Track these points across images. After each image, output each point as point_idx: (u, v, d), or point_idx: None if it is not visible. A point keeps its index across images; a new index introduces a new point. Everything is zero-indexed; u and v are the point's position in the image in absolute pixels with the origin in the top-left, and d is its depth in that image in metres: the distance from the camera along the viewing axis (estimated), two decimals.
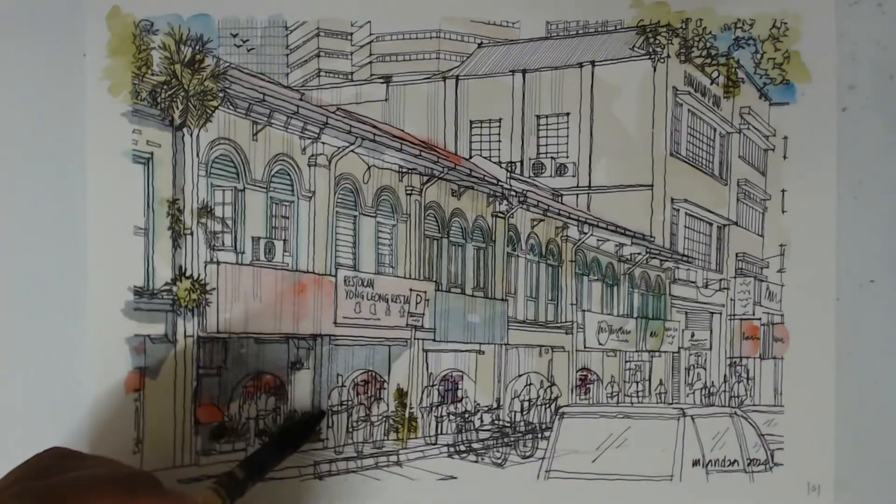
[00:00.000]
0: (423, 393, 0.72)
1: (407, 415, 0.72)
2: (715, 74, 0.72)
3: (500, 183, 0.76)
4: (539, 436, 0.72)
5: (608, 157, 0.72)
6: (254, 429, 0.69)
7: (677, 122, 0.74)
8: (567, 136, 0.73)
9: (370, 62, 0.71)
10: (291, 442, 0.65)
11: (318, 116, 0.70)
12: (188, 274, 0.67)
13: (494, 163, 0.73)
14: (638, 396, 0.75)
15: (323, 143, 0.72)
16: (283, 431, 0.67)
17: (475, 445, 0.71)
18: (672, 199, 0.74)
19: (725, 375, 0.74)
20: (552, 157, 0.73)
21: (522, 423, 0.73)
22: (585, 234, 0.78)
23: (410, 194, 0.76)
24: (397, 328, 0.74)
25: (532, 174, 0.73)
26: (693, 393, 0.74)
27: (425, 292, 0.74)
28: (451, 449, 0.71)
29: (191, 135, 0.68)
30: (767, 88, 0.71)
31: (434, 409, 0.73)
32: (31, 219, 0.68)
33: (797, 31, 0.70)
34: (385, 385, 0.72)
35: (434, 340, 0.74)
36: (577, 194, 0.74)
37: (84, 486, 0.48)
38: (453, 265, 0.76)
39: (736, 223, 0.76)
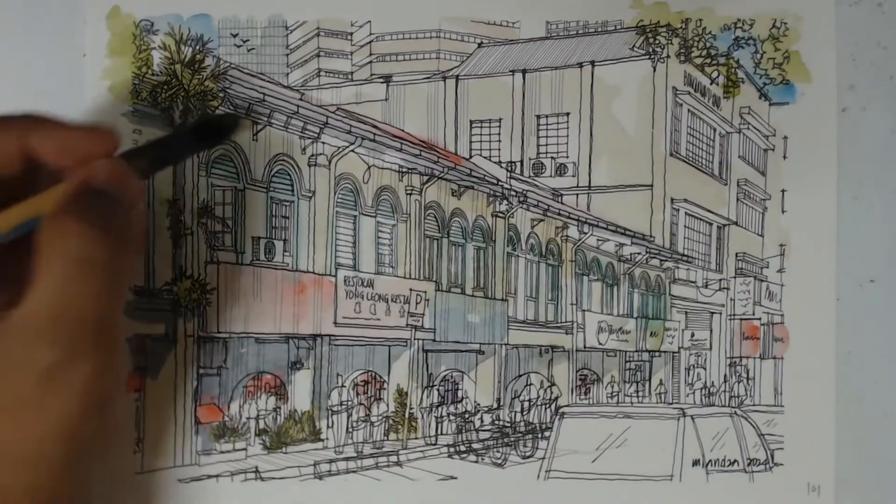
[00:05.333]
0: (423, 393, 0.72)
1: (407, 415, 0.72)
2: (715, 74, 0.72)
3: (500, 183, 0.76)
4: (539, 436, 0.72)
5: (608, 157, 0.72)
6: (254, 429, 0.69)
7: (677, 122, 0.75)
8: (567, 136, 0.73)
9: (370, 62, 0.71)
10: (208, 136, 0.59)
11: (318, 116, 0.70)
12: (188, 274, 0.67)
13: (494, 163, 0.73)
14: (638, 396, 0.75)
15: (323, 143, 0.72)
16: (202, 123, 0.61)
17: (475, 445, 0.71)
18: (672, 199, 0.74)
19: (725, 375, 0.74)
20: (552, 157, 0.73)
21: (522, 424, 0.73)
22: (585, 234, 0.79)
23: (410, 194, 0.76)
24: (397, 328, 0.74)
25: (532, 174, 0.73)
26: (693, 393, 0.74)
27: (425, 292, 0.74)
28: (451, 449, 0.71)
29: None
30: (767, 88, 0.71)
31: (434, 409, 0.73)
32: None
33: (797, 31, 0.70)
34: (385, 385, 0.72)
35: (434, 340, 0.74)
36: (577, 194, 0.74)
37: None
38: (453, 265, 0.76)
39: (736, 223, 0.76)
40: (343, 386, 0.72)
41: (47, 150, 0.50)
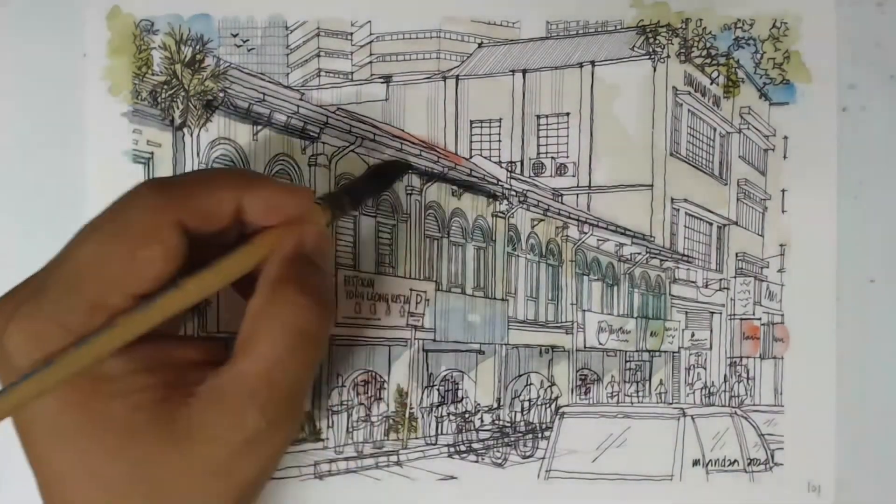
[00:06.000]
0: (423, 393, 0.72)
1: (407, 415, 0.72)
2: (715, 74, 0.72)
3: (500, 183, 0.76)
4: (539, 436, 0.72)
5: (608, 157, 0.72)
6: None
7: (677, 122, 0.75)
8: (567, 136, 0.73)
9: (370, 62, 0.71)
10: (385, 180, 0.67)
11: (318, 116, 0.70)
12: None
13: (494, 163, 0.73)
14: (638, 396, 0.75)
15: (323, 143, 0.72)
16: (378, 169, 0.67)
17: (475, 445, 0.71)
18: (672, 199, 0.74)
19: (725, 375, 0.74)
20: (552, 157, 0.73)
21: (522, 423, 0.73)
22: (585, 233, 0.79)
23: (410, 194, 0.76)
24: (397, 328, 0.74)
25: (532, 174, 0.73)
26: (693, 393, 0.74)
27: (425, 292, 0.74)
28: (452, 449, 0.71)
29: (191, 135, 0.68)
30: (767, 88, 0.71)
31: (434, 409, 0.73)
32: (31, 219, 0.68)
33: (797, 31, 0.70)
34: (385, 385, 0.72)
35: (434, 340, 0.74)
36: (578, 194, 0.74)
37: (201, 179, 0.49)
38: (453, 265, 0.76)
39: (736, 223, 0.76)
40: (343, 386, 0.72)
41: (257, 210, 0.50)
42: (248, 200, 0.49)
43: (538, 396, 0.74)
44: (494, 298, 0.75)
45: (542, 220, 0.80)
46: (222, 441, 0.44)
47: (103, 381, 0.45)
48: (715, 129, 0.75)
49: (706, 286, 0.76)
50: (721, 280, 0.75)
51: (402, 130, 0.71)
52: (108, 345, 0.43)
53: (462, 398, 0.73)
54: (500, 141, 0.73)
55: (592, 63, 0.73)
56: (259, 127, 0.70)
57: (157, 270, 0.44)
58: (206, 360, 0.48)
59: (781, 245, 0.71)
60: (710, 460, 0.70)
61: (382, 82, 0.71)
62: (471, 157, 0.73)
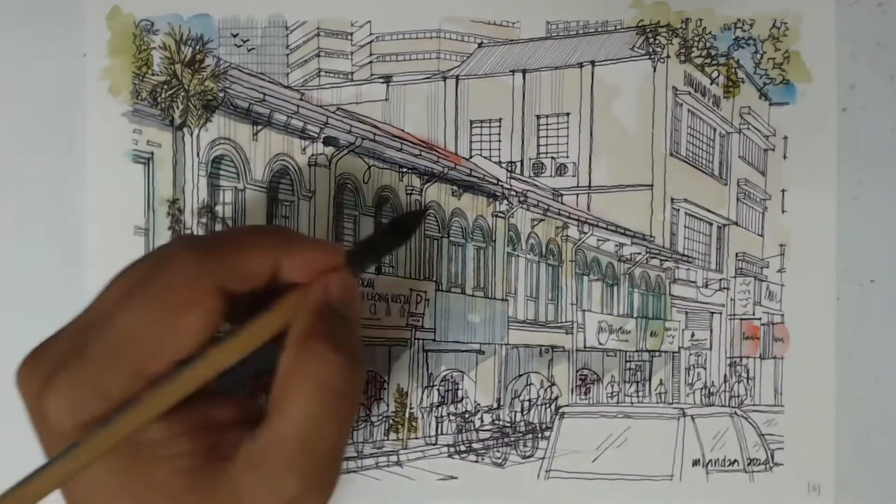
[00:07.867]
0: (423, 393, 0.72)
1: (407, 415, 0.72)
2: (715, 74, 0.72)
3: (500, 183, 0.76)
4: (539, 436, 0.72)
5: (608, 157, 0.72)
6: None
7: (677, 122, 0.75)
8: (567, 136, 0.73)
9: (370, 62, 0.71)
10: (403, 234, 0.59)
11: (318, 116, 0.70)
12: None
13: (494, 163, 0.73)
14: (638, 396, 0.75)
15: (323, 143, 0.72)
16: (395, 223, 0.59)
17: (475, 445, 0.71)
18: (672, 199, 0.74)
19: (725, 375, 0.74)
20: (552, 157, 0.73)
21: (522, 423, 0.73)
22: (585, 234, 0.79)
23: (410, 194, 0.76)
24: (397, 328, 0.74)
25: (532, 174, 0.73)
26: (693, 393, 0.74)
27: (425, 292, 0.74)
28: (452, 449, 0.71)
29: (191, 135, 0.68)
30: (767, 88, 0.71)
31: (434, 409, 0.73)
32: (31, 219, 0.68)
33: (797, 31, 0.70)
34: (385, 385, 0.72)
35: (434, 340, 0.74)
36: (578, 194, 0.74)
37: (239, 242, 0.48)
38: (453, 265, 0.76)
39: (736, 223, 0.76)
40: None
41: (294, 271, 0.49)
42: (285, 261, 0.48)
43: (538, 396, 0.74)
44: (494, 298, 0.75)
45: (542, 220, 0.80)
46: None
47: (144, 446, 0.45)
48: (715, 129, 0.75)
49: (706, 286, 0.76)
50: (721, 280, 0.75)
51: (402, 130, 0.71)
52: (146, 414, 0.43)
53: (462, 398, 0.73)
54: (500, 141, 0.73)
55: (592, 63, 0.73)
56: (259, 127, 0.70)
57: (197, 336, 0.44)
58: (242, 419, 0.48)
59: (781, 245, 0.71)
60: (710, 460, 0.70)
61: (382, 82, 0.71)
62: (471, 157, 0.73)
